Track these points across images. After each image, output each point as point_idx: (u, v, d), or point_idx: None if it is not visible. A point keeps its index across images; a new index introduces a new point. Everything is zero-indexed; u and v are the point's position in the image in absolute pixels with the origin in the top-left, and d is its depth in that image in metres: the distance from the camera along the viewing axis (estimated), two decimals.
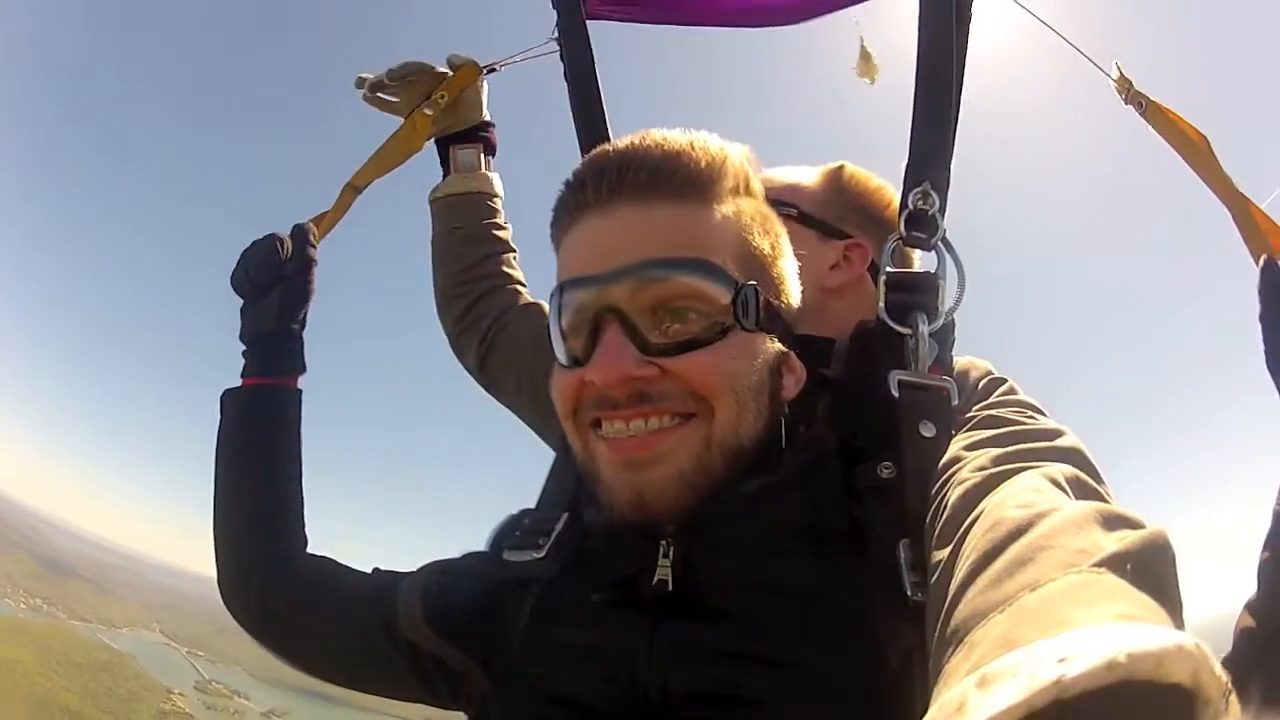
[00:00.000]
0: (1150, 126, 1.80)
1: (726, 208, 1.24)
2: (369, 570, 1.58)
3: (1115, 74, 1.87)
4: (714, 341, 1.18)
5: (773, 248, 1.29)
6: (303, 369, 1.74)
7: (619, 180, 1.22)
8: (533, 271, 2.02)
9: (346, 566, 1.61)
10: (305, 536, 1.65)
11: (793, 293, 1.33)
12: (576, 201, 1.26)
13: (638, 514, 1.17)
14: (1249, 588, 1.48)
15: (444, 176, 2.12)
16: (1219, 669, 0.58)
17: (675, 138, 1.25)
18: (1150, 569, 0.73)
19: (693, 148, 1.23)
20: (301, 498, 1.68)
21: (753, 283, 1.21)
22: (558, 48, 2.00)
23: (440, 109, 2.04)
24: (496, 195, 2.12)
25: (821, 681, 1.07)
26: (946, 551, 0.96)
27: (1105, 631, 0.60)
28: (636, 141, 1.25)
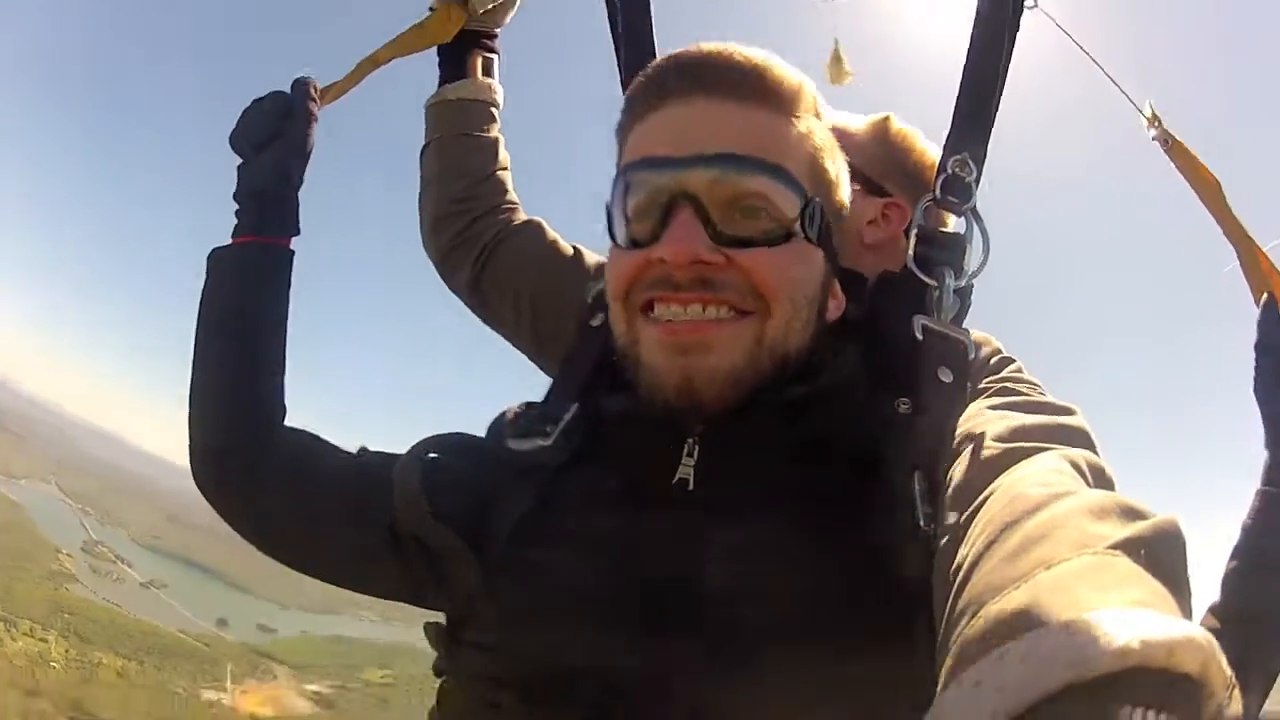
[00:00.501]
0: (1172, 163, 1.96)
1: (803, 125, 1.27)
2: (354, 450, 1.53)
3: (1148, 111, 2.02)
4: (779, 244, 1.20)
5: (836, 175, 1.32)
6: (296, 230, 1.65)
7: (704, 74, 1.23)
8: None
9: (329, 443, 1.55)
10: (284, 407, 1.58)
11: (845, 221, 1.37)
12: (658, 90, 1.26)
13: (683, 399, 1.17)
14: (1212, 594, 1.62)
15: (446, 77, 2.02)
16: (1225, 663, 0.61)
17: (759, 51, 1.26)
18: (1162, 556, 0.75)
19: (775, 64, 1.25)
20: (284, 367, 1.60)
21: (818, 199, 1.24)
22: None
23: (479, 3, 1.97)
24: (499, 108, 2.05)
25: (844, 588, 1.08)
26: (961, 518, 0.99)
27: (1119, 617, 0.61)
28: (720, 46, 1.26)
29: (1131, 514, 0.82)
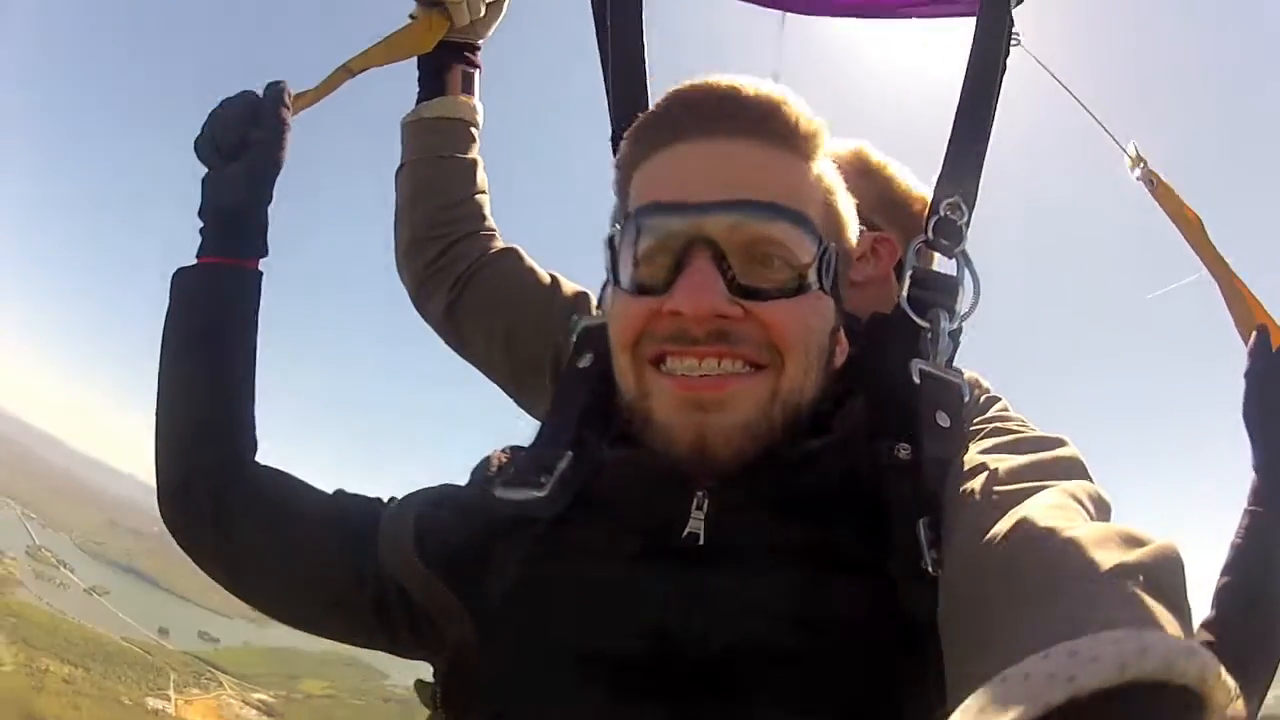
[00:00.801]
0: (1156, 202, 2.03)
1: (817, 166, 1.22)
2: (330, 491, 1.44)
3: (1133, 151, 2.09)
4: (795, 295, 1.15)
5: (846, 217, 1.28)
6: (264, 251, 1.54)
7: (719, 113, 1.18)
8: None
9: (304, 483, 1.46)
10: (256, 442, 1.48)
11: (851, 265, 1.33)
12: (669, 127, 1.21)
13: (695, 455, 1.13)
14: (1204, 610, 1.67)
15: (425, 92, 1.93)
16: (1226, 674, 0.62)
17: (772, 86, 1.21)
18: (1162, 580, 0.78)
19: (791, 101, 1.20)
20: (254, 397, 1.50)
21: (832, 244, 1.19)
22: None
23: (463, 14, 1.87)
24: (479, 127, 1.95)
25: (857, 643, 1.06)
26: (969, 560, 0.99)
27: (1118, 635, 0.63)
28: (733, 81, 1.21)
29: (1131, 541, 0.84)
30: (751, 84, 1.20)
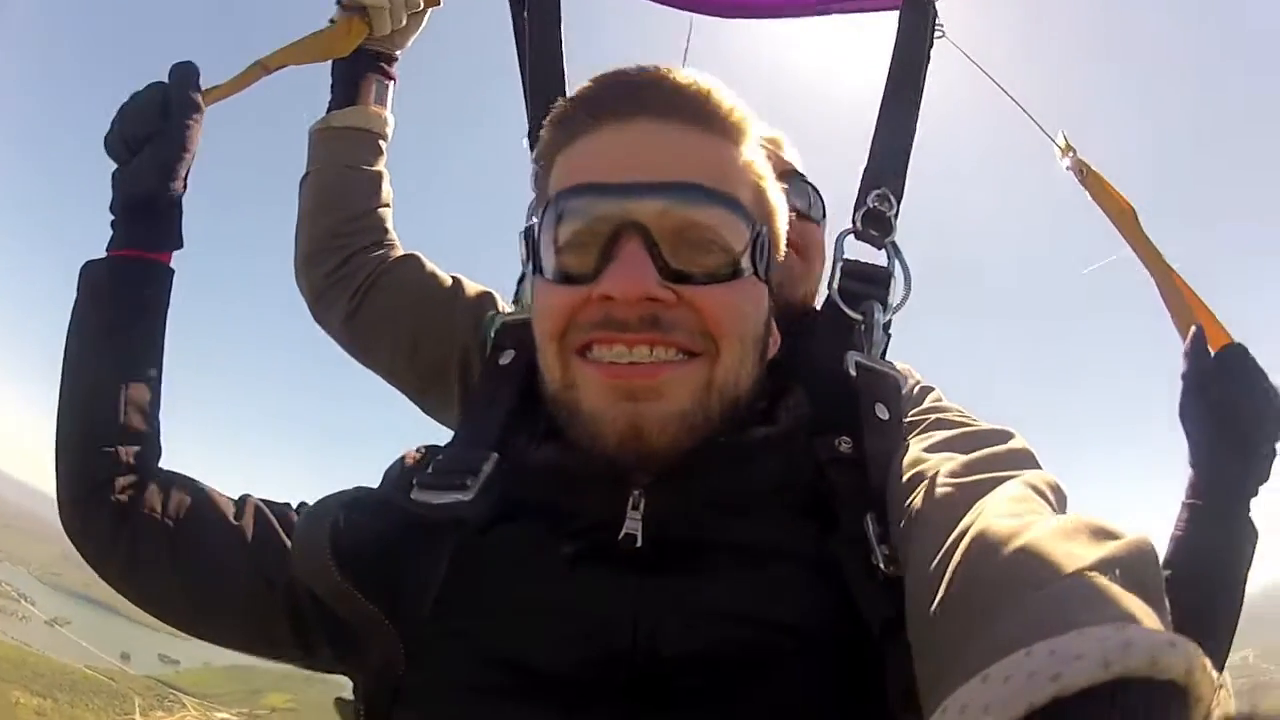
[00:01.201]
0: (1087, 192, 1.99)
1: (748, 152, 1.20)
2: (236, 497, 1.41)
3: (1061, 141, 2.06)
4: (729, 280, 1.12)
5: (777, 204, 1.26)
6: (178, 243, 1.50)
7: (647, 95, 1.15)
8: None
9: (211, 490, 1.41)
10: (160, 448, 1.44)
11: (781, 253, 1.29)
12: (590, 110, 1.17)
13: (629, 447, 1.09)
14: None
15: (337, 99, 1.90)
16: (1210, 666, 0.62)
17: (702, 74, 1.19)
18: (1137, 574, 0.76)
19: (719, 88, 1.18)
20: (159, 398, 1.45)
21: (764, 229, 1.17)
22: None
23: (384, 23, 1.86)
24: (388, 140, 1.94)
25: (811, 644, 1.04)
26: (934, 561, 0.95)
27: (1101, 631, 0.62)
28: (661, 67, 1.19)
29: (1103, 534, 0.83)
30: (681, 72, 1.18)
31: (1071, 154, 2.06)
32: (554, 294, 1.14)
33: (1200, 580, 1.64)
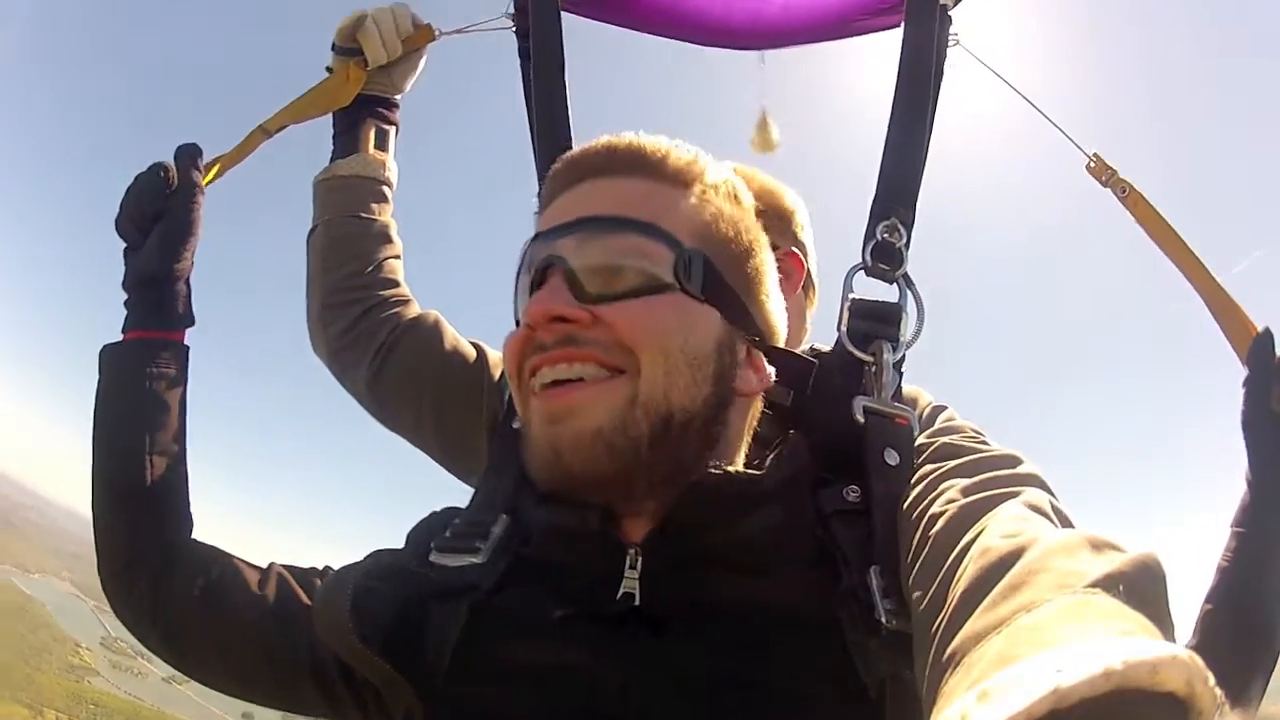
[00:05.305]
0: (1129, 213, 1.85)
1: (698, 197, 1.22)
2: (264, 565, 1.45)
3: (1093, 162, 1.93)
4: (647, 295, 1.14)
5: (746, 243, 1.26)
6: (189, 320, 1.53)
7: (589, 161, 1.23)
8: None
9: (240, 560, 1.46)
10: (191, 520, 1.49)
11: (771, 309, 1.29)
12: (554, 185, 1.26)
13: (555, 473, 1.11)
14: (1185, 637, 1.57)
15: (339, 149, 1.88)
16: (1212, 679, 0.59)
17: (651, 136, 1.25)
18: (1143, 590, 0.74)
19: (662, 142, 1.23)
20: (187, 473, 1.50)
21: (701, 251, 1.17)
22: (511, 24, 1.87)
23: (379, 66, 1.86)
24: (393, 187, 1.92)
25: (807, 709, 1.02)
26: (935, 584, 0.94)
27: (1101, 644, 0.60)
28: (612, 136, 1.25)
29: (1105, 549, 0.80)
30: (631, 136, 1.24)
31: (1111, 173, 1.91)
32: (509, 337, 1.20)
33: (1249, 621, 1.58)
